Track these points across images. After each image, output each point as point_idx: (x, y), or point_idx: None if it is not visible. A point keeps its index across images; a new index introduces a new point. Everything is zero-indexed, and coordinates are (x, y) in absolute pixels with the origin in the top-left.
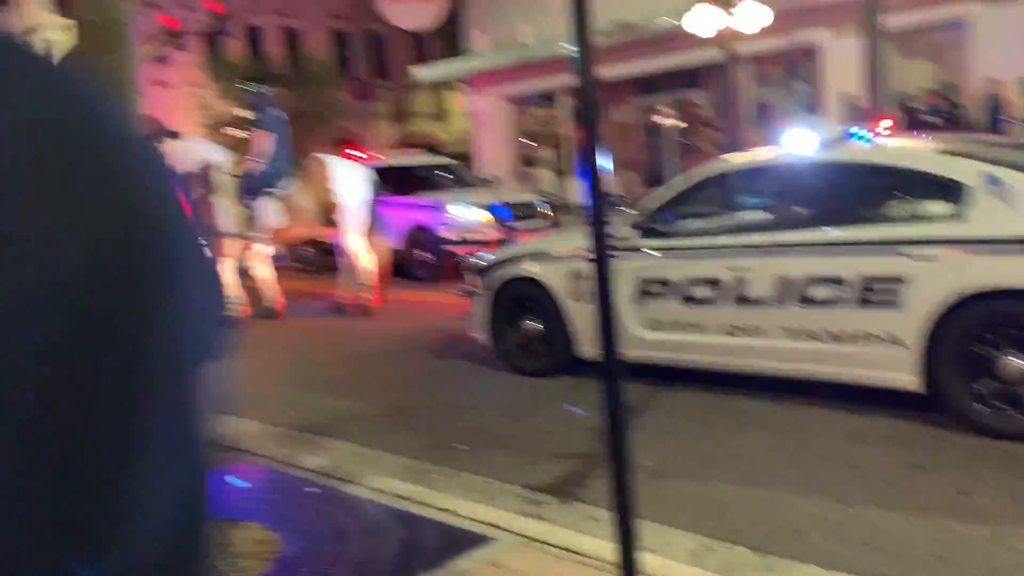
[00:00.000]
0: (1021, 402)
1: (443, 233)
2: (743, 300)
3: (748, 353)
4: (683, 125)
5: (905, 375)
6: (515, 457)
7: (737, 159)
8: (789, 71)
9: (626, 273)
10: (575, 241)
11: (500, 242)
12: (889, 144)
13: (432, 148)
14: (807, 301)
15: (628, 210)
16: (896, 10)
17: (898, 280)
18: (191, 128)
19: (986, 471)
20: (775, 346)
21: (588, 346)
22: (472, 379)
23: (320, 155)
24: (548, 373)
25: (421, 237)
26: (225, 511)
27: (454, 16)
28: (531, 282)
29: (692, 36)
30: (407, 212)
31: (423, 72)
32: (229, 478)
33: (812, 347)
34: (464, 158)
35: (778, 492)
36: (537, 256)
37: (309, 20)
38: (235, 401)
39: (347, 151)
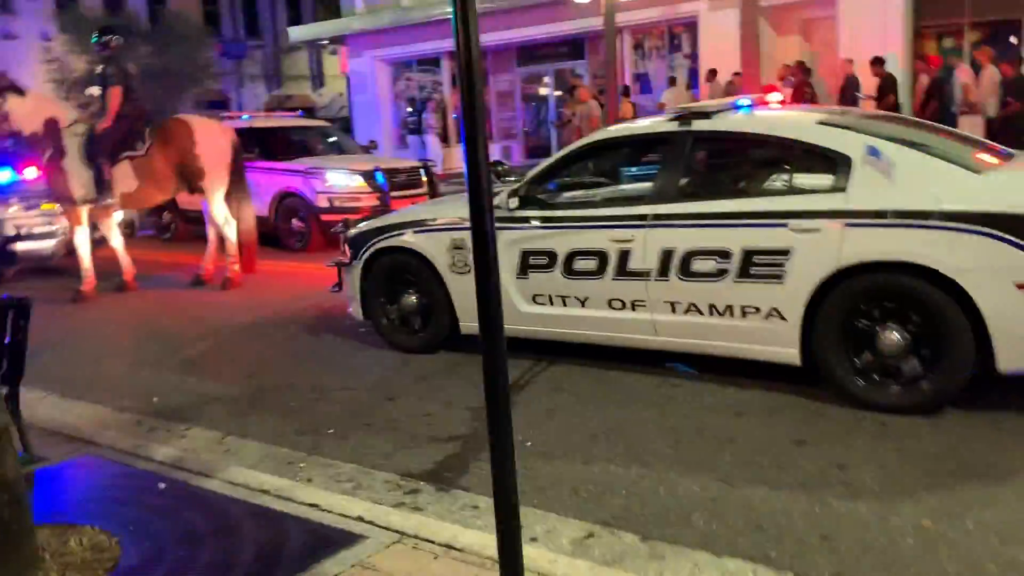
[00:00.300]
0: (898, 374)
1: (315, 200)
2: (626, 273)
3: (631, 327)
4: (558, 94)
5: (785, 348)
6: (390, 442)
7: (619, 128)
8: (669, 42)
9: (507, 244)
10: (456, 210)
11: (376, 210)
12: (770, 115)
13: (307, 111)
14: (690, 274)
15: (509, 179)
16: None
17: (779, 253)
18: (40, 85)
19: (863, 443)
20: (658, 320)
21: (471, 321)
22: (345, 357)
23: (183, 116)
24: (428, 349)
25: (292, 204)
26: (57, 513)
27: None
28: (409, 253)
29: (574, 4)
30: (277, 177)
31: (298, 32)
32: (62, 472)
33: (695, 320)
34: (340, 122)
35: (660, 471)
36: (415, 225)
37: None
38: (75, 383)
39: (216, 113)
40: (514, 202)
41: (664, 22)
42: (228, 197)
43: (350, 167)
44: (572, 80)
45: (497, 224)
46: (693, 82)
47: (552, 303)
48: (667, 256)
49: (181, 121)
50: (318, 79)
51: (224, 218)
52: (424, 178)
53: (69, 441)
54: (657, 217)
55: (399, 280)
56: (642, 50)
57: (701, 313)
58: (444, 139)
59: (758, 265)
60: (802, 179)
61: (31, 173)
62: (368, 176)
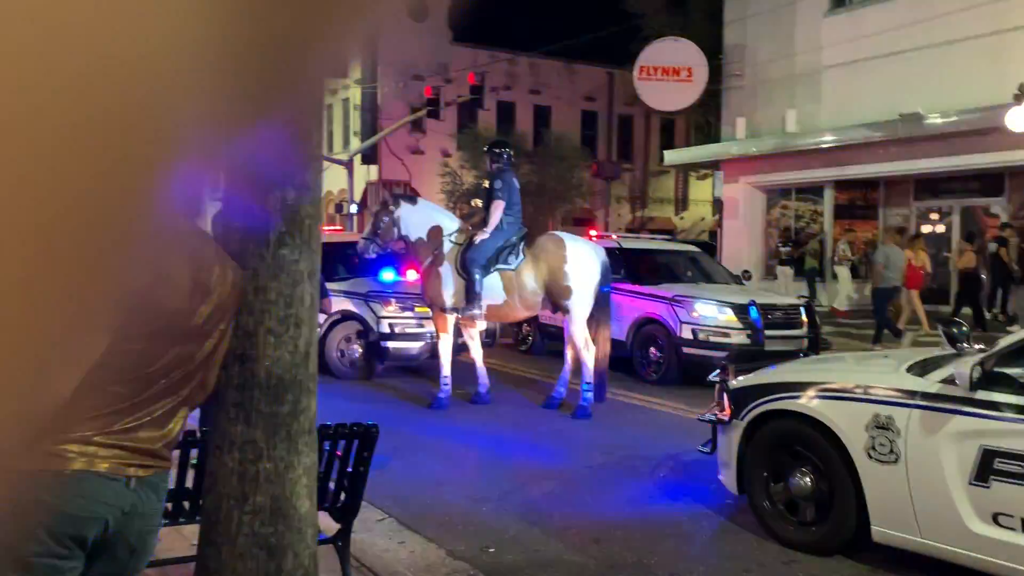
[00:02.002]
0: None
1: (678, 331)
2: None
3: None
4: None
5: None
6: None
7: None
8: None
9: (959, 436)
10: (883, 376)
11: (753, 353)
12: None
13: (667, 234)
14: None
15: (965, 345)
16: None
17: None
18: (433, 195)
19: None
20: None
21: (888, 527)
22: (711, 538)
23: (557, 233)
24: (820, 550)
25: (652, 332)
26: None
27: (709, 101)
28: (807, 421)
29: (995, 135)
30: (640, 302)
31: (673, 156)
32: None
33: None
34: (704, 248)
35: None
36: (820, 387)
37: (560, 99)
38: (412, 507)
39: (588, 232)
40: (976, 378)
41: None
42: (589, 318)
43: (721, 298)
44: (985, 220)
45: (946, 406)
46: None
47: None
48: None
49: (555, 239)
50: (681, 203)
51: (584, 341)
52: (804, 318)
53: None
54: None
55: (790, 453)
56: None
57: None
58: (816, 273)
59: None
60: None
61: (411, 276)
62: (740, 310)
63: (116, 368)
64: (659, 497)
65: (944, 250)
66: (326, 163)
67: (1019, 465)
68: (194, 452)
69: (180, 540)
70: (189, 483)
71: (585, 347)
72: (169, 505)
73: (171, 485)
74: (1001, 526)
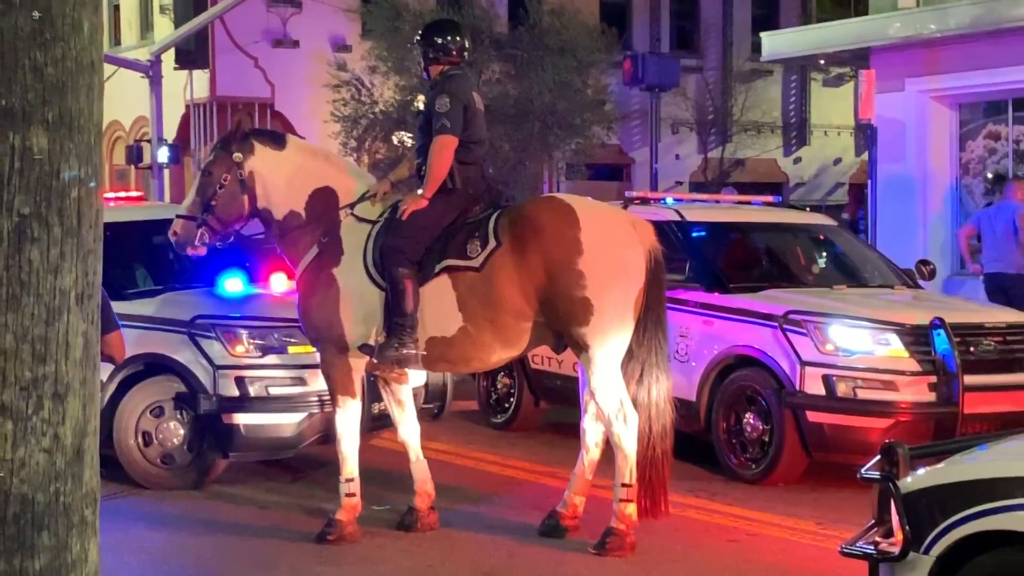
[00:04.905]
0: None
1: (798, 379)
2: None
3: None
4: None
5: None
6: None
7: None
8: None
9: None
10: None
11: (943, 419)
12: None
13: (775, 193)
14: None
15: None
16: None
17: None
18: (319, 127)
19: None
20: None
21: None
22: None
23: (559, 197)
24: None
25: (747, 382)
26: None
27: None
28: None
29: None
30: (719, 325)
31: (778, 43)
32: None
33: None
34: (836, 214)
35: None
36: None
37: None
38: None
39: (623, 193)
40: None
41: None
42: (630, 358)
43: (878, 316)
44: None
45: None
46: None
47: None
48: None
49: (558, 207)
50: (797, 132)
51: (618, 406)
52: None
53: None
54: None
55: None
56: None
57: None
58: None
59: None
60: None
61: (278, 285)
62: (916, 337)
63: None
64: None
65: None
66: (108, 69)
67: None
68: None
69: None
70: None
71: (619, 416)
72: None
73: None
74: None
